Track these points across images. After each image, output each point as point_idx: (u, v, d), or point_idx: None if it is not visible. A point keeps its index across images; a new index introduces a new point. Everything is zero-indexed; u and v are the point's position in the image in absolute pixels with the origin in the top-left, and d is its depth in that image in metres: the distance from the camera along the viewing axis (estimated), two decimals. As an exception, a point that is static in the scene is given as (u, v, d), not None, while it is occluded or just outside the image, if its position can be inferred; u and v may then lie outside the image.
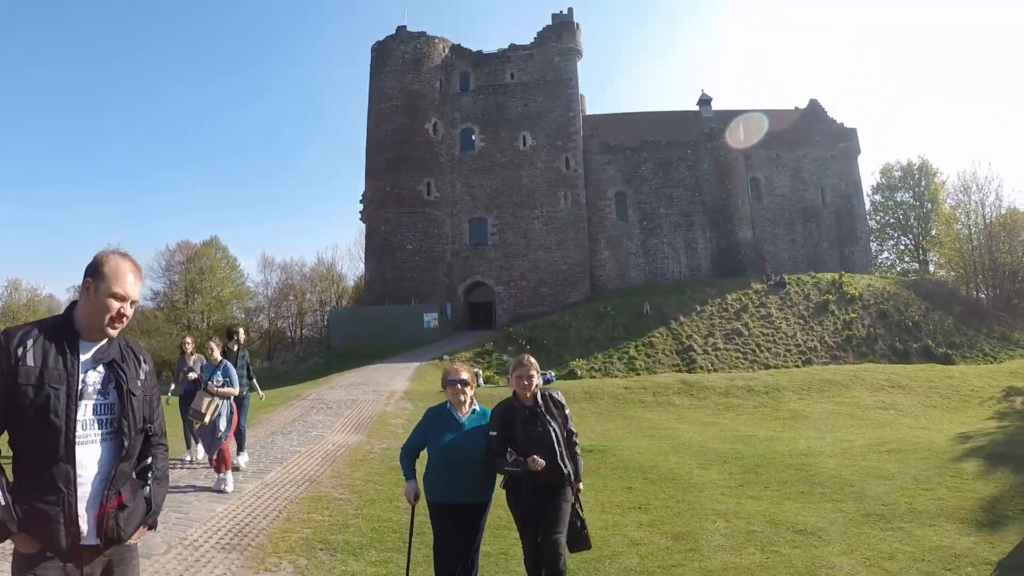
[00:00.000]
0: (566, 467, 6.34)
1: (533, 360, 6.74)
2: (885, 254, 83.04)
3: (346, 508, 10.29)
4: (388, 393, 25.96)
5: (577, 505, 6.57)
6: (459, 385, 6.69)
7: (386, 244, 57.17)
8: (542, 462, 6.09)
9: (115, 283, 3.61)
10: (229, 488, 11.03)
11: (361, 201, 62.06)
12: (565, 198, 58.41)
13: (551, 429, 6.41)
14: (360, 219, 63.26)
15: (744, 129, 61.29)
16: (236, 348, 13.97)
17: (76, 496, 3.38)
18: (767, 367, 39.34)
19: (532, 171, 58.92)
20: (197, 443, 13.81)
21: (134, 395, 3.66)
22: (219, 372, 11.87)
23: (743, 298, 48.20)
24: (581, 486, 6.66)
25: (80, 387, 3.51)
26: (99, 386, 3.60)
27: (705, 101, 68.63)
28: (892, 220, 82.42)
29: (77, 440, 3.42)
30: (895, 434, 19.00)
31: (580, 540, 6.52)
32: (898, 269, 78.87)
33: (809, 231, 62.71)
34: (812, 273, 53.86)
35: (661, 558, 7.87)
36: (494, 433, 6.41)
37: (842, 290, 49.34)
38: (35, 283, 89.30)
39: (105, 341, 3.70)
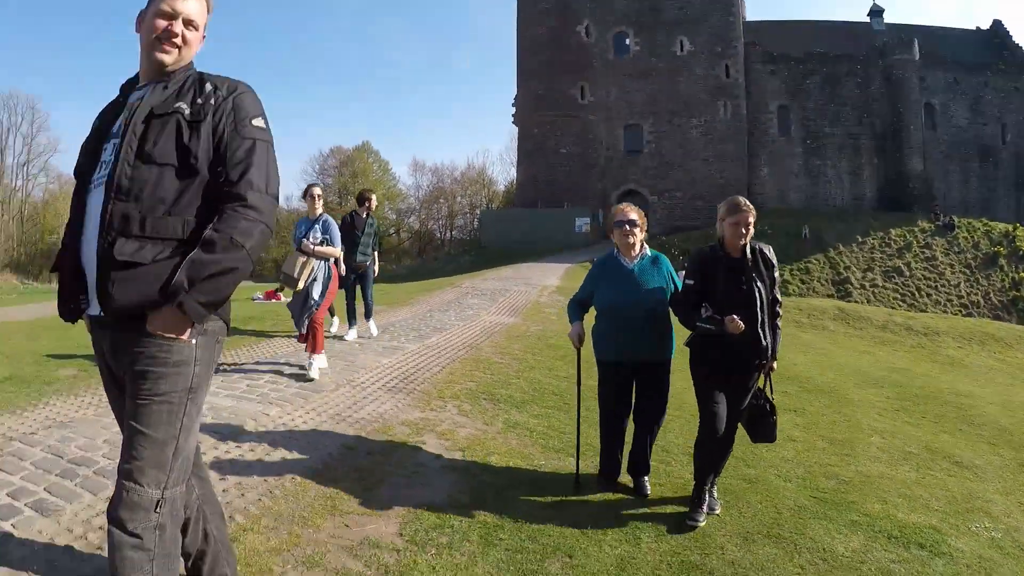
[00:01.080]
0: (765, 338, 5.39)
1: (751, 205, 5.44)
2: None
3: (507, 370, 10.31)
4: (540, 287, 26.00)
5: (768, 387, 5.67)
6: (627, 226, 5.89)
7: (539, 147, 56.86)
8: (742, 324, 5.15)
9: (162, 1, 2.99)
10: (314, 374, 8.94)
11: (513, 104, 61.77)
12: (724, 108, 56.38)
13: (757, 289, 5.38)
14: (512, 122, 62.98)
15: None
16: (365, 215, 12.76)
17: (81, 251, 2.91)
18: (923, 311, 37.34)
19: (690, 78, 56.64)
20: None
21: (157, 116, 2.90)
22: (317, 227, 9.82)
23: (907, 235, 46.26)
24: (776, 365, 5.64)
25: (112, 128, 3.01)
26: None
27: (876, 12, 64.55)
28: None
29: (92, 184, 2.95)
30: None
31: (767, 428, 5.65)
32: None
33: (985, 171, 59.14)
34: (984, 220, 50.63)
35: (818, 456, 7.70)
36: (691, 282, 5.49)
37: (1015, 244, 46.74)
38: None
39: (157, 76, 3.04)
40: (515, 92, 61.39)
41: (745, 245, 5.45)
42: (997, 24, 62.97)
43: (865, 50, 58.07)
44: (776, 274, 5.60)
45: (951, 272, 43.37)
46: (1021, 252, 45.73)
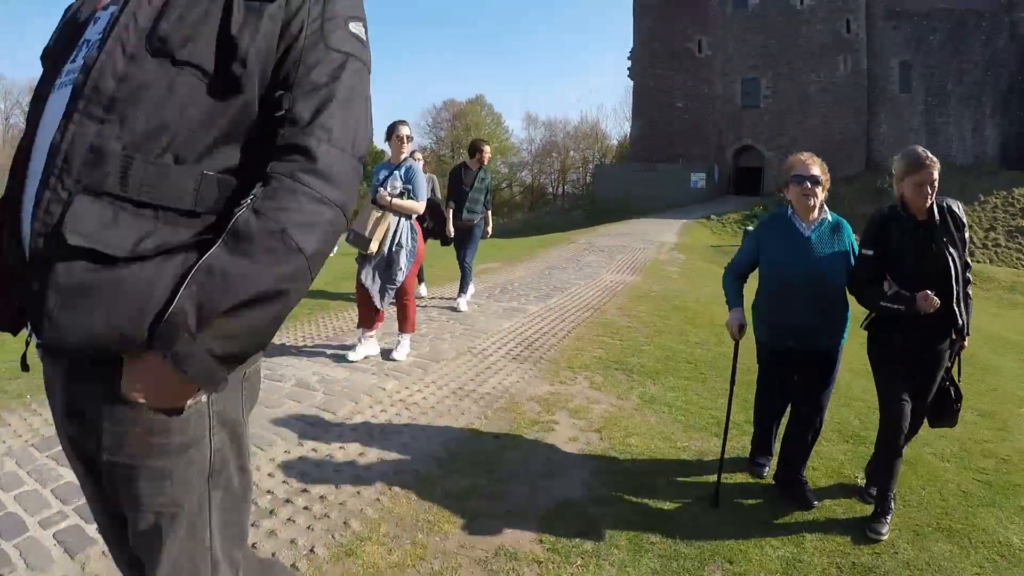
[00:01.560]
0: (962, 315, 4.59)
1: (934, 158, 4.49)
2: None
3: (636, 335, 9.71)
4: (658, 244, 25.67)
5: (957, 369, 4.88)
6: (808, 183, 4.76)
7: (654, 102, 56.41)
8: (937, 301, 4.29)
9: None
10: (401, 355, 7.73)
11: (629, 58, 61.25)
12: (844, 63, 54.74)
13: (950, 256, 4.50)
14: (628, 76, 62.41)
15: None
16: (477, 168, 11.22)
17: (21, 209, 1.61)
18: None
19: (810, 32, 55.12)
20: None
21: None
22: (398, 173, 7.70)
23: None
24: (967, 343, 4.79)
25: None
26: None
27: None
28: None
29: (56, 83, 1.66)
30: None
31: (951, 415, 4.88)
32: None
33: None
34: None
35: (970, 431, 7.03)
36: (870, 252, 4.61)
37: None
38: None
39: None
40: (631, 46, 60.68)
41: (932, 205, 4.51)
42: None
43: (993, 5, 55.04)
44: (967, 235, 4.69)
45: None
46: None
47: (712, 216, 39.81)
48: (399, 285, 7.61)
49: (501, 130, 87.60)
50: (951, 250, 4.50)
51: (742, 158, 56.67)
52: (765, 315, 5.00)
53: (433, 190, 11.50)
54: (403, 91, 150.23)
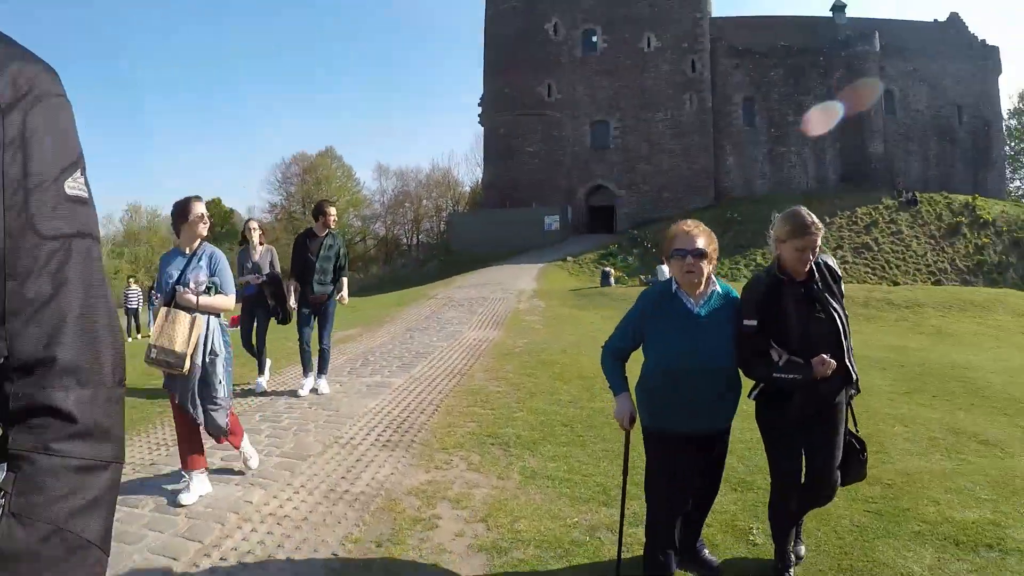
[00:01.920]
0: (855, 369, 4.52)
1: (818, 222, 4.42)
2: (1018, 182, 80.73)
3: (507, 401, 9.54)
4: (517, 292, 25.81)
5: (852, 420, 4.81)
6: (690, 259, 4.31)
7: (506, 147, 56.90)
8: (833, 363, 4.19)
9: None
10: (254, 463, 6.70)
11: (480, 104, 61.89)
12: (691, 102, 57.00)
13: (836, 314, 4.44)
14: (479, 122, 63.08)
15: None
16: (324, 233, 9.94)
17: None
18: (895, 283, 38.67)
19: (657, 74, 57.28)
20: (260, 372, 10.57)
21: None
22: (200, 264, 6.13)
23: (873, 213, 47.77)
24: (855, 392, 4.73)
25: None
26: None
27: (839, 7, 65.76)
28: None
29: None
30: (1055, 357, 18.41)
31: (859, 467, 4.75)
32: (1030, 198, 75.58)
33: (943, 150, 61.40)
34: (944, 193, 52.73)
35: None
36: (752, 323, 4.35)
37: (975, 213, 48.66)
38: (155, 205, 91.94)
39: None
40: (481, 91, 61.43)
41: (811, 268, 4.44)
42: (954, 16, 64.92)
43: (827, 43, 59.92)
44: (843, 286, 4.69)
45: (917, 244, 45.31)
46: (982, 219, 47.90)
47: (568, 258, 40.42)
48: (229, 403, 6.29)
49: (352, 183, 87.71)
50: (835, 306, 4.47)
51: (594, 198, 57.56)
52: (653, 400, 4.49)
53: (272, 263, 10.46)
54: (249, 146, 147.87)
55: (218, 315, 6.20)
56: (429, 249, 66.07)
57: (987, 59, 63.15)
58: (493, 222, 52.08)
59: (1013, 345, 22.44)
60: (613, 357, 4.61)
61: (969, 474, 7.07)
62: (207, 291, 6.05)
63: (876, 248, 43.78)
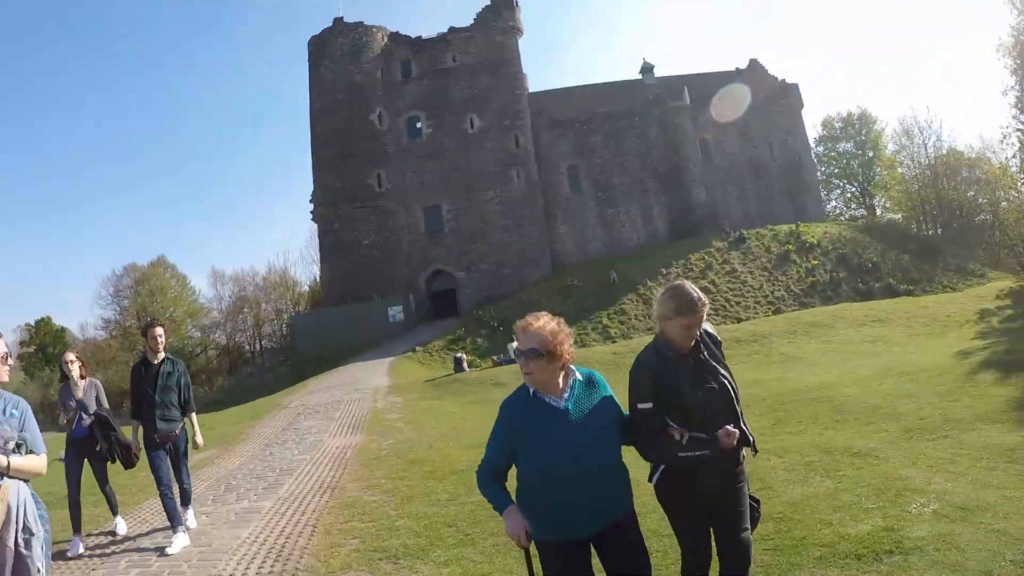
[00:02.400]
0: (749, 431, 4.49)
1: (703, 298, 4.42)
2: (832, 203, 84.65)
3: (385, 510, 9.26)
4: (372, 390, 25.42)
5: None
6: (523, 359, 4.11)
7: (340, 242, 56.19)
8: (737, 432, 4.20)
9: None
10: None
11: (311, 200, 61.44)
12: (518, 177, 57.83)
13: (727, 381, 4.40)
14: (312, 219, 62.45)
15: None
16: (159, 359, 8.91)
17: None
18: (739, 320, 40.55)
19: (482, 153, 58.05)
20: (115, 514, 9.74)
21: None
22: (3, 415, 4.65)
23: (706, 257, 49.44)
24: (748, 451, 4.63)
25: None
26: None
27: (647, 69, 69.65)
28: (836, 170, 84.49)
29: None
30: (896, 361, 19.40)
31: (754, 521, 4.63)
32: (846, 216, 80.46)
33: (760, 186, 64.36)
34: (769, 226, 55.44)
35: None
36: (647, 405, 4.21)
37: (801, 239, 51.19)
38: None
39: None
40: (312, 187, 60.95)
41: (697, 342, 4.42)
42: (754, 62, 69.20)
43: (641, 104, 62.56)
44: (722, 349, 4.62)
45: (752, 278, 46.93)
46: (808, 244, 50.37)
47: (417, 348, 40.00)
48: None
49: (188, 291, 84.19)
50: (723, 373, 4.44)
51: (435, 283, 57.53)
52: (542, 509, 4.04)
53: (99, 399, 9.20)
54: (78, 260, 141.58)
55: (27, 481, 4.61)
56: (274, 354, 64.37)
57: (789, 96, 67.35)
58: (336, 320, 51.22)
59: (860, 355, 23.57)
60: (490, 478, 4.19)
61: (851, 488, 7.42)
62: (16, 449, 4.55)
63: (715, 290, 44.96)
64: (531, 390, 4.16)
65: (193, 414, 9.23)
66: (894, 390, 13.62)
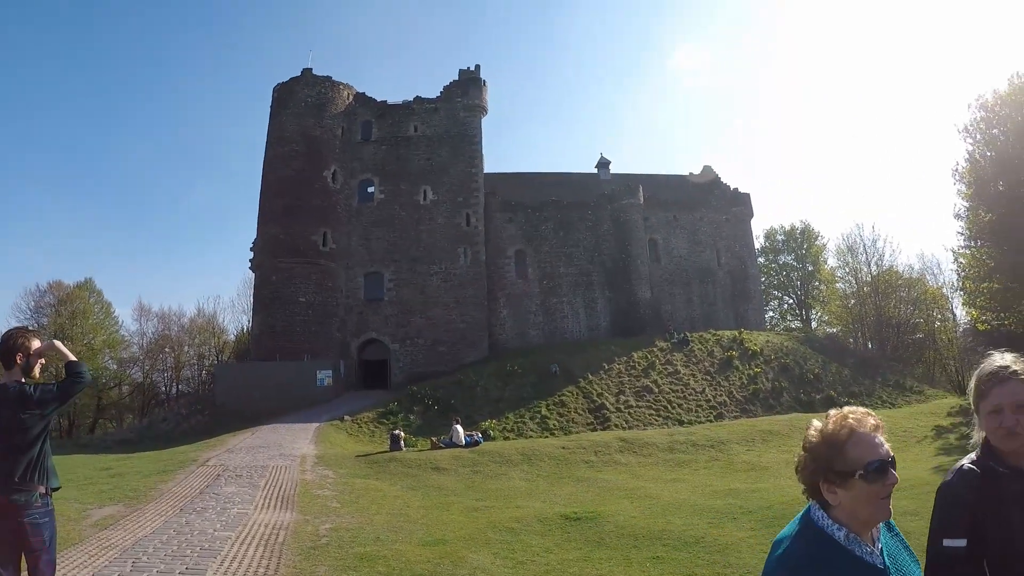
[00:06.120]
0: None
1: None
2: (770, 313, 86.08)
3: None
4: (299, 458, 23.75)
5: None
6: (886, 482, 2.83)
7: (277, 296, 54.70)
8: None
9: None
10: None
11: (252, 249, 59.59)
12: (465, 255, 57.67)
13: None
14: (250, 268, 60.43)
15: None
16: (19, 384, 5.91)
17: None
18: (681, 423, 39.79)
19: (432, 226, 57.95)
20: None
21: None
22: None
23: (649, 356, 48.93)
24: None
25: None
26: None
27: (604, 164, 70.89)
28: (776, 281, 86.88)
29: None
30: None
31: None
32: (781, 327, 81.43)
33: (705, 291, 65.19)
34: (712, 331, 55.71)
35: None
36: (958, 543, 3.04)
37: (743, 346, 51.42)
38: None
39: None
40: (254, 236, 59.45)
41: None
42: (707, 168, 71.68)
43: (595, 197, 63.60)
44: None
45: (695, 381, 46.40)
46: (750, 351, 50.41)
47: (346, 417, 38.07)
48: None
49: (110, 320, 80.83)
50: None
51: (367, 351, 56.39)
52: None
53: None
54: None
55: None
56: (192, 401, 61.78)
57: (740, 205, 68.60)
58: (262, 375, 49.32)
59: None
60: None
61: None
62: None
63: (657, 390, 44.48)
64: (843, 537, 2.75)
65: (53, 478, 6.03)
66: (895, 507, 12.80)
